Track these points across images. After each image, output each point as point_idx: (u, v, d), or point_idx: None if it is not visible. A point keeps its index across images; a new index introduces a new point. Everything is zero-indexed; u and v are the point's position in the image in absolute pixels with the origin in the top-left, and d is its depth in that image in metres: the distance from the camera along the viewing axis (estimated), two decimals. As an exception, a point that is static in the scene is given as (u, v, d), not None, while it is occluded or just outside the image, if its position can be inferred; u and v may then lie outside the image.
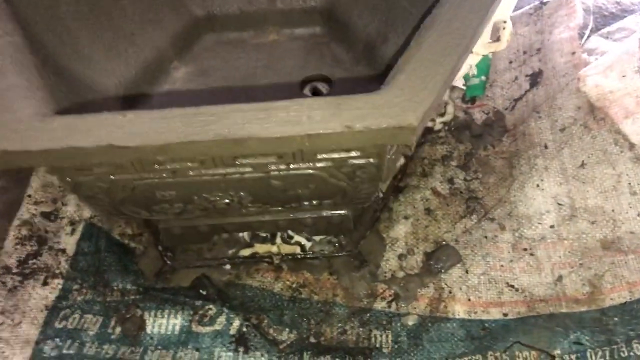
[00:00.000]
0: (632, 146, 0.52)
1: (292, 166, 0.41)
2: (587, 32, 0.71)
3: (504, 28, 0.54)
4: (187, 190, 0.44)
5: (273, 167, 0.41)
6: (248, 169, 0.41)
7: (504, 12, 0.54)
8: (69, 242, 0.57)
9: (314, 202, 0.47)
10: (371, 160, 0.41)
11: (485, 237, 0.54)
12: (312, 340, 0.50)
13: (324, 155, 0.40)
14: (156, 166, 0.40)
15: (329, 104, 0.35)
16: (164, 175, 0.41)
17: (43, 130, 0.35)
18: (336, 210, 0.54)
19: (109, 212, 0.47)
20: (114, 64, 0.59)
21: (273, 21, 0.67)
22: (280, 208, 0.49)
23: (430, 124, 0.65)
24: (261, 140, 0.34)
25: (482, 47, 0.57)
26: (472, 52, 0.57)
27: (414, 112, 0.33)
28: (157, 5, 0.63)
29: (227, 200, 0.45)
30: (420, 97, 0.34)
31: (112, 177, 0.41)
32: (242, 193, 0.45)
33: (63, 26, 0.55)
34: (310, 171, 0.42)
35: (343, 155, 0.40)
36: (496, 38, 0.56)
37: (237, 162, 0.40)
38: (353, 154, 0.40)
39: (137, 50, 0.61)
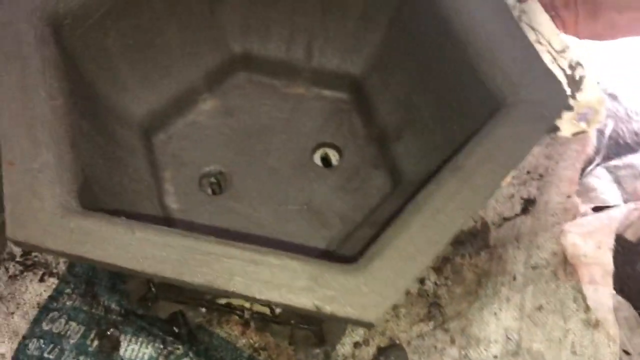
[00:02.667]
0: (587, 309, 0.57)
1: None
2: (597, 159, 0.74)
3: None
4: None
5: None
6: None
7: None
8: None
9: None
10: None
11: (435, 347, 0.60)
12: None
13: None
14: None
15: (309, 274, 0.39)
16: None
17: (61, 230, 0.40)
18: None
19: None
20: (147, 93, 0.63)
21: (304, 76, 0.70)
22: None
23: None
24: (243, 295, 0.39)
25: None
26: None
27: (376, 309, 0.38)
28: (198, 40, 0.66)
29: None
30: (387, 293, 0.39)
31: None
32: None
33: (106, 57, 0.58)
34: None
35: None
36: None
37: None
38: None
39: (171, 81, 0.65)
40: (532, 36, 0.50)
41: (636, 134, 0.79)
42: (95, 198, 0.47)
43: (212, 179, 0.64)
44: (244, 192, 0.63)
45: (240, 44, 0.69)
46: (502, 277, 0.62)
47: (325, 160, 0.67)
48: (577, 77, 0.48)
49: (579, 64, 0.48)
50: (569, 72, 0.48)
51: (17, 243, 0.40)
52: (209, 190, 0.64)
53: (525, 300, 0.60)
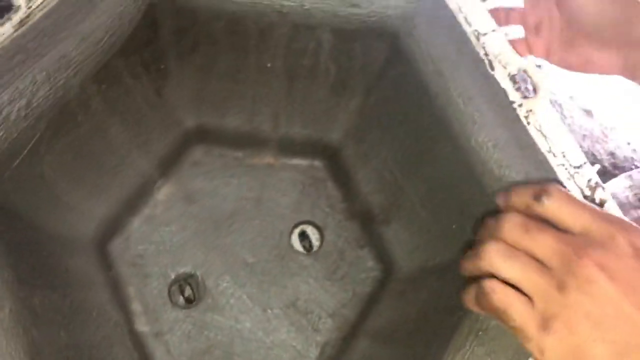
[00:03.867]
0: None
1: None
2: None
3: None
4: None
5: None
6: None
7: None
8: None
9: None
10: None
11: None
12: None
13: None
14: None
15: None
16: None
17: None
18: None
19: None
20: (95, 204, 0.54)
21: (272, 145, 0.62)
22: None
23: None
24: None
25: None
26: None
27: None
28: (146, 127, 0.56)
29: None
30: None
31: None
32: None
33: (43, 185, 0.49)
34: None
35: None
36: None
37: None
38: None
39: (120, 181, 0.56)
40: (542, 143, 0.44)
41: (612, 154, 0.76)
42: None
43: (183, 286, 0.57)
44: (222, 298, 0.56)
45: (194, 118, 0.59)
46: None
47: (305, 239, 0.61)
48: (598, 201, 0.43)
49: (598, 184, 0.43)
50: (587, 192, 0.43)
51: None
52: (182, 301, 0.57)
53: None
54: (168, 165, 0.59)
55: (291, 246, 0.60)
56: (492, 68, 0.43)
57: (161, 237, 0.58)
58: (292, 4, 0.48)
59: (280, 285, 0.58)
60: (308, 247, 0.60)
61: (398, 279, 0.56)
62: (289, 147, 0.62)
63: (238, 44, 0.52)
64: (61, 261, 0.50)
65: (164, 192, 0.60)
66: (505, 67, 0.44)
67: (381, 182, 0.58)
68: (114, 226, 0.56)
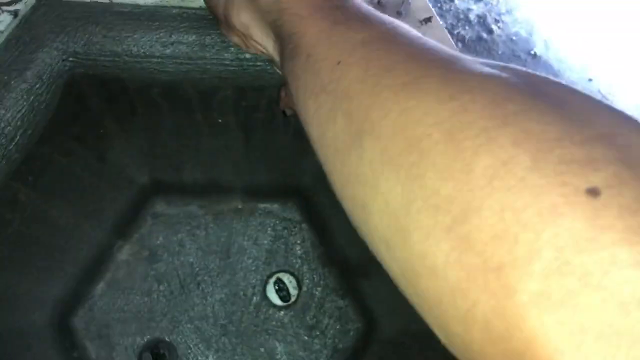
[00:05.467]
0: None
1: None
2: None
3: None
4: None
5: None
6: None
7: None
8: None
9: None
10: None
11: None
12: None
13: None
14: None
15: None
16: None
17: None
18: None
19: None
20: (47, 287, 0.50)
21: (237, 190, 0.57)
22: None
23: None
24: None
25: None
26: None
27: None
28: (94, 196, 0.51)
29: None
30: None
31: None
32: None
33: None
34: None
35: None
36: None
37: None
38: None
39: (74, 258, 0.52)
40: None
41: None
42: None
43: (154, 354, 0.54)
44: (196, 367, 0.54)
45: (148, 174, 0.54)
46: None
47: (282, 289, 0.57)
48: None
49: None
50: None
51: None
52: (154, 371, 0.54)
53: None
54: (127, 223, 0.55)
55: (267, 299, 0.56)
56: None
57: (127, 302, 0.54)
58: (234, 68, 0.41)
59: (256, 346, 0.54)
60: (285, 297, 0.56)
61: (380, 340, 0.53)
62: (256, 192, 0.56)
63: (180, 105, 0.46)
64: (17, 358, 0.47)
65: (125, 252, 0.55)
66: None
67: (356, 234, 0.53)
68: (74, 300, 0.53)
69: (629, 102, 0.92)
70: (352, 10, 0.24)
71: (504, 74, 0.17)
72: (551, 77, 0.18)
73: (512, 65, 0.18)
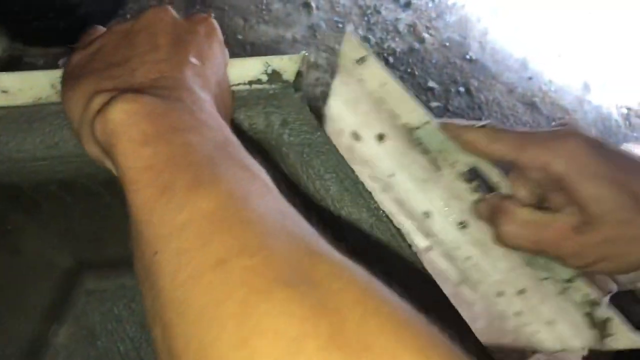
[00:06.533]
0: None
1: None
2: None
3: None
4: None
5: None
6: None
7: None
8: None
9: None
10: None
11: None
12: None
13: None
14: None
15: None
16: None
17: None
18: None
19: None
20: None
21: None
22: None
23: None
24: None
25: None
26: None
27: None
28: (15, 290, 0.49)
29: None
30: None
31: None
32: None
33: None
34: None
35: None
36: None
37: None
38: None
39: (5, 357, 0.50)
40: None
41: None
42: None
43: None
44: None
45: (72, 256, 0.52)
46: None
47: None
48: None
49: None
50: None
51: None
52: None
53: None
54: (59, 305, 0.53)
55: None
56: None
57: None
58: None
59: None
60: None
61: None
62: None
63: (83, 194, 0.43)
64: None
65: (62, 335, 0.53)
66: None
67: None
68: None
69: (569, 99, 0.90)
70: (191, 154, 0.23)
71: None
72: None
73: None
